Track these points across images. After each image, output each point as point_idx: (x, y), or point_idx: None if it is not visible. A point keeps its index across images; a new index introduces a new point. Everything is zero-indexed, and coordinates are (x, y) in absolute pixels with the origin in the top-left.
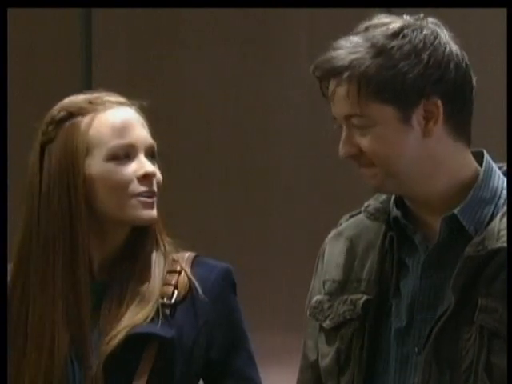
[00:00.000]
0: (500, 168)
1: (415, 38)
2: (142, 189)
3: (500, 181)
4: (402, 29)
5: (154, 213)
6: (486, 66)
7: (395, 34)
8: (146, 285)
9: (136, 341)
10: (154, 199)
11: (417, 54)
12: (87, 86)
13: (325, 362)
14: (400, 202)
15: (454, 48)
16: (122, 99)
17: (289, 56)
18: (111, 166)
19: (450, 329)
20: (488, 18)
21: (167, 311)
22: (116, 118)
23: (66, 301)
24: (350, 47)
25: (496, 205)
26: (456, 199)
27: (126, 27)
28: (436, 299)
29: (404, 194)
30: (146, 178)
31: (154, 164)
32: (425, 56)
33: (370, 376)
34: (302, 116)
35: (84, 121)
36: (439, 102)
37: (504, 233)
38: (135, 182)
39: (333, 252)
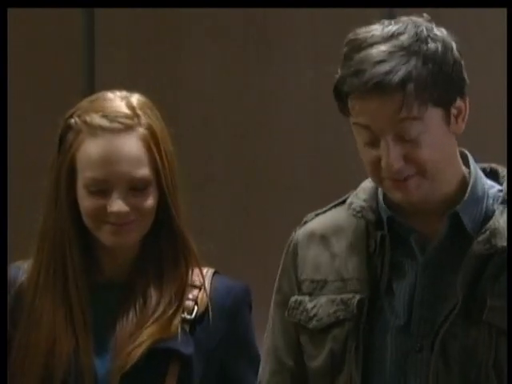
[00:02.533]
0: (482, 170)
1: (439, 38)
2: (111, 220)
3: (484, 180)
4: (428, 32)
5: (122, 239)
6: (486, 66)
7: (425, 38)
8: (167, 296)
9: (157, 357)
10: (129, 226)
11: (451, 53)
12: (89, 85)
13: (316, 364)
14: (391, 202)
15: (453, 43)
16: (118, 124)
17: (289, 56)
18: (86, 193)
19: (457, 327)
20: (488, 18)
21: (187, 327)
22: (95, 149)
23: (69, 300)
24: (396, 58)
25: (486, 203)
26: (452, 199)
27: (128, 27)
28: (436, 298)
29: (426, 200)
30: (114, 214)
31: (142, 194)
32: (450, 57)
33: (367, 375)
34: (303, 116)
35: (77, 140)
36: (466, 97)
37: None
38: (105, 213)
39: (306, 251)
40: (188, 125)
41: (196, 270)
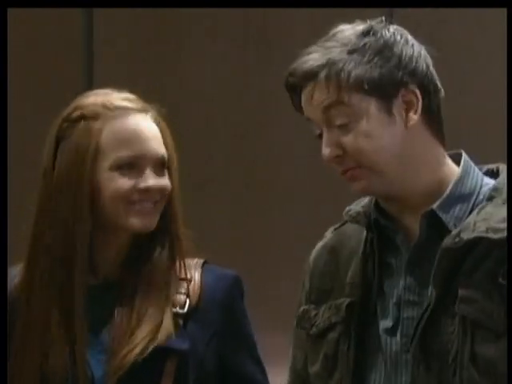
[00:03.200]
0: (480, 169)
1: (385, 34)
2: (140, 198)
3: (479, 179)
4: (370, 27)
5: (149, 222)
6: (485, 66)
7: (365, 33)
8: (157, 291)
9: (154, 355)
10: (154, 209)
11: (389, 48)
12: (88, 85)
13: (314, 369)
14: (378, 204)
15: (421, 47)
16: (136, 104)
17: (289, 56)
18: (115, 175)
19: (434, 323)
20: (488, 18)
21: (180, 321)
22: (125, 127)
23: (64, 301)
24: (323, 49)
25: (475, 201)
26: (434, 197)
27: (127, 27)
28: (420, 296)
29: (389, 195)
30: (146, 191)
31: (163, 174)
32: (397, 50)
33: (359, 378)
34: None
35: (95, 126)
36: (417, 91)
37: (480, 224)
38: (135, 193)
39: (318, 264)
40: (188, 125)
41: (186, 262)
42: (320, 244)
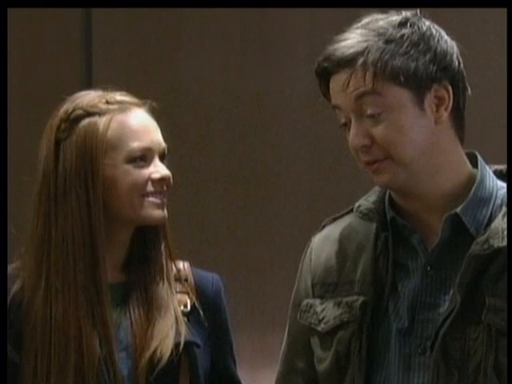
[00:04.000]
0: (493, 171)
1: (422, 27)
2: (155, 189)
3: (493, 181)
4: (407, 19)
5: (164, 213)
6: (485, 66)
7: (402, 24)
8: (163, 291)
9: (178, 350)
10: (165, 200)
11: (425, 41)
12: (87, 85)
13: (323, 367)
14: (394, 203)
15: (453, 44)
16: (134, 99)
17: (289, 56)
18: (129, 167)
19: (457, 328)
20: (488, 18)
21: (185, 319)
22: (134, 120)
23: (90, 298)
24: (358, 37)
25: (493, 205)
26: (455, 199)
27: (126, 27)
28: (438, 299)
29: (412, 191)
30: (160, 181)
31: (164, 165)
32: (433, 44)
33: (370, 377)
34: (303, 116)
35: (102, 121)
36: (449, 87)
37: (507, 232)
38: (149, 184)
39: (320, 255)
40: (187, 125)
41: (177, 264)
42: (320, 235)
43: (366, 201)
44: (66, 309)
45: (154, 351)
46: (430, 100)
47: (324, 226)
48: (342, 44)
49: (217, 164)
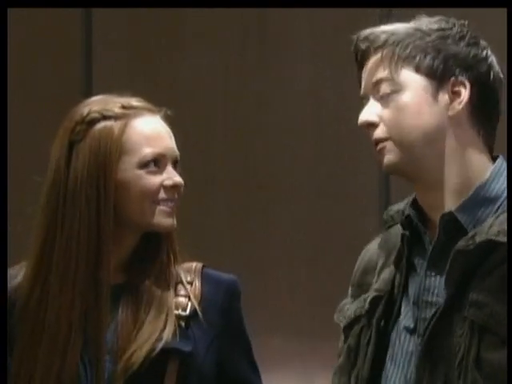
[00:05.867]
0: None
1: (459, 27)
2: (166, 196)
3: (506, 184)
4: (448, 20)
5: (173, 221)
6: None
7: (440, 21)
8: (160, 294)
9: (160, 355)
10: (174, 208)
11: (454, 40)
12: (87, 86)
13: (340, 360)
14: (415, 203)
15: (493, 57)
16: (148, 105)
17: (289, 57)
18: (142, 173)
19: (444, 325)
20: (488, 18)
21: (183, 323)
22: (149, 126)
23: (86, 302)
24: (394, 25)
25: (500, 205)
26: (460, 196)
27: (126, 27)
28: (438, 297)
29: (414, 177)
30: (173, 188)
31: (177, 173)
32: (463, 43)
33: (377, 372)
34: (303, 116)
35: (117, 125)
36: (467, 84)
37: (494, 228)
38: (161, 191)
39: (363, 260)
40: (187, 125)
41: (185, 266)
42: (372, 242)
43: (398, 204)
44: (58, 313)
45: (131, 355)
46: (445, 91)
47: (379, 235)
48: (377, 28)
49: (217, 164)
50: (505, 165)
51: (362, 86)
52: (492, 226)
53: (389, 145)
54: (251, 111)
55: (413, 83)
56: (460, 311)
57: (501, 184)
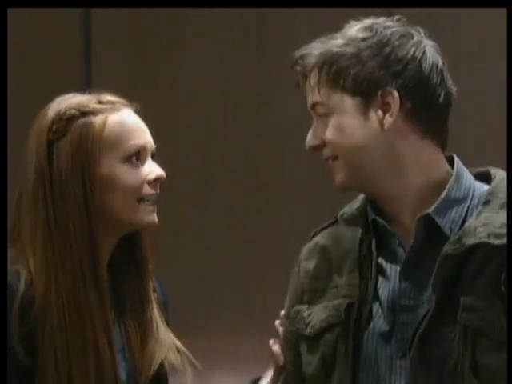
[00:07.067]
0: (471, 172)
1: (382, 32)
2: (150, 192)
3: (471, 182)
4: (372, 24)
5: (156, 218)
6: (485, 66)
7: (365, 28)
8: (147, 295)
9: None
10: (155, 204)
11: (380, 46)
12: (87, 85)
13: (310, 370)
14: (375, 207)
15: (429, 53)
16: (122, 100)
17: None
18: (126, 167)
19: (434, 329)
20: (488, 17)
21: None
22: (128, 120)
23: (95, 299)
24: (325, 40)
25: (470, 204)
26: (428, 199)
27: (126, 27)
28: (416, 301)
29: (370, 192)
30: (155, 181)
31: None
32: (387, 49)
33: (357, 379)
34: (303, 116)
35: (97, 121)
36: (395, 94)
37: (481, 229)
38: (145, 186)
39: (308, 264)
40: (187, 125)
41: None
42: (309, 245)
43: (350, 208)
44: (79, 310)
45: (151, 356)
46: (375, 106)
47: (313, 236)
48: (308, 47)
49: (217, 164)
50: (461, 164)
51: (309, 109)
52: (477, 228)
53: (337, 164)
54: (251, 111)
55: (342, 105)
56: (449, 315)
57: (465, 184)
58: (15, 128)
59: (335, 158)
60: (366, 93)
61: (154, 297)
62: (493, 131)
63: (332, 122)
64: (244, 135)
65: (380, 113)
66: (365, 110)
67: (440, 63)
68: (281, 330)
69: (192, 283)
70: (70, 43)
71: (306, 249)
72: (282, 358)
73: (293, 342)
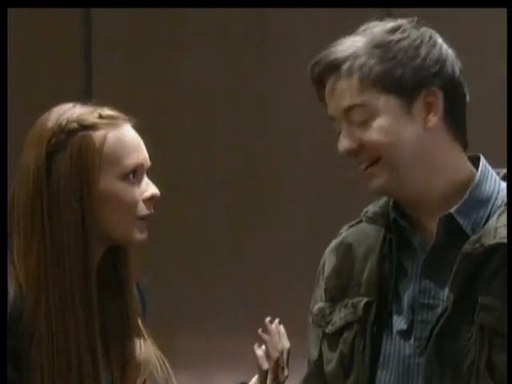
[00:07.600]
0: (498, 173)
1: (413, 33)
2: (146, 212)
3: (496, 183)
4: (400, 26)
5: (146, 235)
6: (486, 66)
7: (394, 30)
8: (132, 302)
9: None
10: (147, 221)
11: (415, 48)
12: (87, 87)
13: (330, 367)
14: (397, 206)
15: (450, 51)
16: (123, 115)
17: (289, 56)
18: (123, 185)
19: (450, 328)
20: (488, 17)
21: None
22: (127, 136)
23: (83, 316)
24: (349, 43)
25: (492, 206)
26: (452, 200)
27: (126, 27)
28: (435, 300)
29: (404, 195)
30: (150, 200)
31: None
32: (422, 51)
33: (374, 377)
34: (303, 116)
35: (97, 136)
36: (439, 93)
37: (501, 230)
38: (140, 205)
39: (333, 261)
40: (187, 126)
41: None
42: (335, 241)
43: (373, 206)
44: (66, 326)
45: (138, 369)
46: (419, 105)
47: (340, 234)
48: (331, 49)
49: (217, 164)
50: (488, 165)
51: (331, 110)
52: (497, 229)
53: (377, 168)
54: (251, 111)
55: (385, 106)
56: (466, 314)
57: (490, 185)
58: (15, 128)
59: (376, 160)
60: (411, 92)
61: (136, 310)
62: (493, 131)
63: (376, 123)
64: (244, 135)
65: (423, 112)
66: (408, 109)
67: (460, 65)
68: (265, 336)
69: (192, 283)
70: (70, 43)
71: (331, 246)
72: (266, 362)
73: (317, 338)
